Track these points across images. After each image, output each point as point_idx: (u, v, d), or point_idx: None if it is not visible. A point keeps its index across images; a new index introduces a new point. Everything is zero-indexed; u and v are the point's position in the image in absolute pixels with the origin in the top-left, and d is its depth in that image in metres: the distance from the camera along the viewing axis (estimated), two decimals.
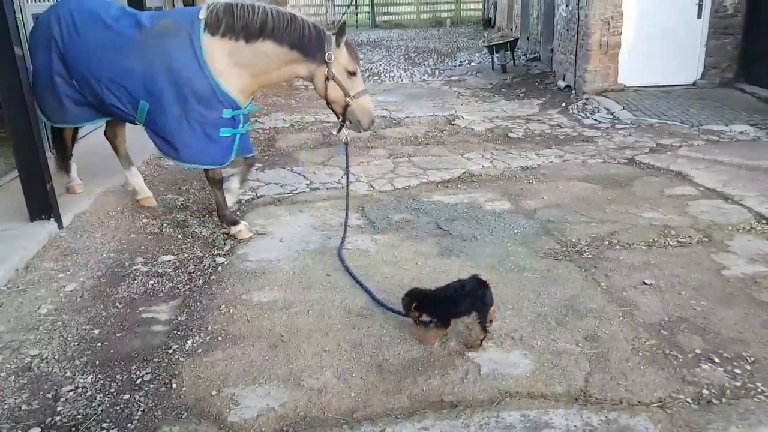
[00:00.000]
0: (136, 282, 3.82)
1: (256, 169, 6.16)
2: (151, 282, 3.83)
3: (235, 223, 4.48)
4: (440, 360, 3.00)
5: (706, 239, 4.39)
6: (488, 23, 19.88)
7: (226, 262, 4.08)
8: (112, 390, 2.80)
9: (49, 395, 2.76)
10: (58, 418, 2.61)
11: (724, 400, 2.72)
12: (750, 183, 5.50)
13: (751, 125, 7.40)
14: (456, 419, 2.58)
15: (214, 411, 2.65)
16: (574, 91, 9.58)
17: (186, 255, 4.21)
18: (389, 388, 2.79)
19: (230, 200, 4.69)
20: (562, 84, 10.00)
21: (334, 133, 4.95)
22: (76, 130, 5.11)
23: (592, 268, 3.97)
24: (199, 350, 3.09)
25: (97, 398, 2.74)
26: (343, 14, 13.27)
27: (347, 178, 4.55)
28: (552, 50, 11.03)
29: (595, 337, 3.20)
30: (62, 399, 2.73)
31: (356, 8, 26.94)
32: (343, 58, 4.14)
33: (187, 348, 3.11)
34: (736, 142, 6.90)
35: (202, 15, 4.06)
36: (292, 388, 2.79)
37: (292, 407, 2.67)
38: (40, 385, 2.82)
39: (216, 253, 4.23)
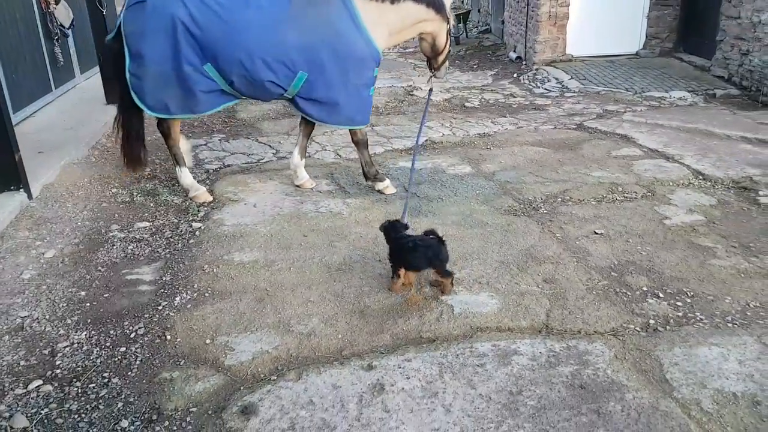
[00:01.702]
0: (114, 247, 3.93)
1: (219, 139, 6.27)
2: (130, 247, 3.94)
3: (382, 178, 4.83)
4: (417, 304, 3.27)
5: (650, 194, 4.80)
6: None
7: (203, 227, 4.22)
8: (108, 344, 2.95)
9: (46, 351, 2.89)
10: (58, 371, 2.75)
11: (668, 327, 3.09)
12: (687, 143, 5.98)
13: (689, 91, 7.94)
14: (435, 351, 2.87)
15: (210, 357, 2.85)
16: (524, 62, 9.95)
17: (161, 222, 4.33)
18: (372, 329, 3.05)
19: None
20: (513, 55, 10.35)
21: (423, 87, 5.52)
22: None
23: (547, 222, 4.32)
24: (188, 305, 3.26)
25: (94, 352, 2.89)
26: None
27: (421, 125, 4.70)
28: (503, 22, 11.37)
29: (553, 280, 3.54)
30: (60, 354, 2.87)
31: None
32: (449, 13, 4.62)
33: (176, 304, 3.28)
34: (675, 107, 7.41)
35: None
36: (282, 333, 3.01)
37: (285, 349, 2.89)
38: (35, 343, 2.95)
39: (191, 219, 4.36)
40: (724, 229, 4.16)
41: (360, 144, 4.71)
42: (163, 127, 4.57)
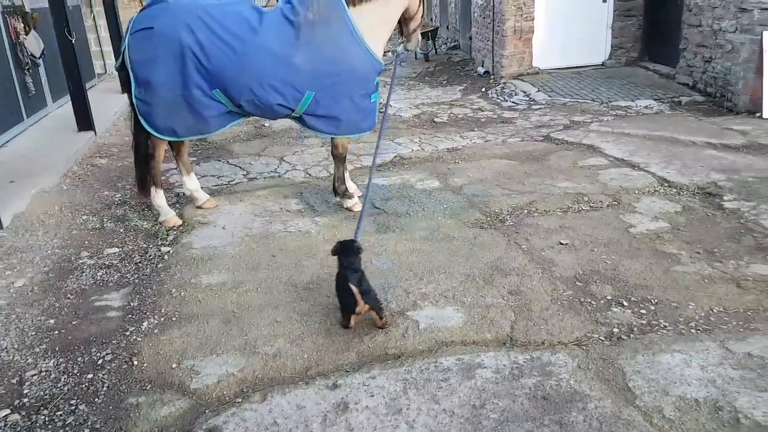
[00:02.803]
0: (84, 274, 3.91)
1: (191, 162, 6.26)
2: (99, 273, 3.92)
3: (350, 197, 4.86)
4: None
5: (615, 203, 4.89)
6: None
7: (171, 251, 4.22)
8: (75, 371, 2.93)
9: (14, 380, 2.86)
10: (25, 399, 2.73)
11: (632, 335, 3.13)
12: (653, 151, 6.10)
13: (654, 100, 8.12)
14: (399, 367, 2.89)
15: (176, 381, 2.84)
16: (492, 77, 10.11)
17: (130, 247, 4.31)
18: (338, 348, 3.07)
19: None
20: (481, 70, 10.52)
21: (398, 50, 5.42)
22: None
23: (513, 234, 4.38)
24: (156, 330, 3.25)
25: (62, 379, 2.87)
26: None
27: (388, 96, 4.87)
28: (470, 38, 11.55)
29: (518, 291, 3.58)
30: (27, 383, 2.84)
31: None
32: None
33: (143, 329, 3.27)
34: (641, 116, 7.57)
35: None
36: (248, 355, 3.02)
37: (250, 371, 2.90)
38: (3, 372, 2.92)
39: (160, 243, 4.36)
40: (689, 235, 4.23)
41: (339, 158, 4.76)
42: (149, 146, 4.54)
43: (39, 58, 7.35)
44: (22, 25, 7.02)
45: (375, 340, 3.12)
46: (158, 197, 4.64)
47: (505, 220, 4.62)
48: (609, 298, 3.50)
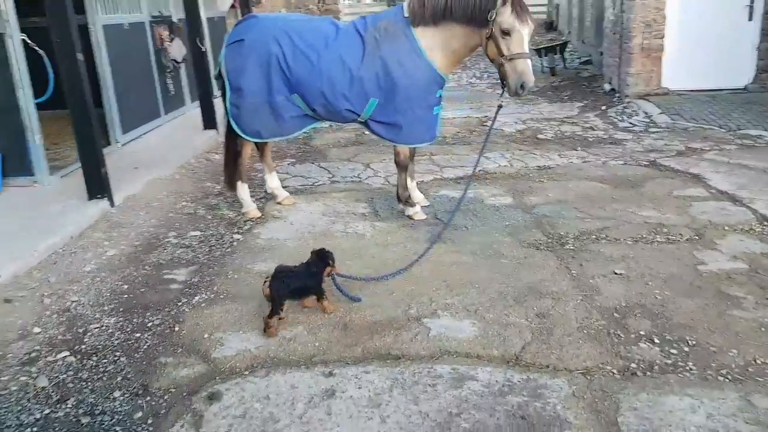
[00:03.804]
0: (165, 251, 4.58)
1: (288, 163, 6.90)
2: (178, 251, 4.57)
3: (413, 204, 5.11)
4: (398, 323, 3.50)
5: (697, 237, 4.61)
6: (550, 26, 19.94)
7: (241, 239, 4.77)
8: (128, 329, 3.52)
9: (80, 330, 3.52)
10: (83, 346, 3.35)
11: (648, 373, 3.02)
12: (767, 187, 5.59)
13: None
14: (395, 367, 3.09)
15: (202, 349, 3.31)
16: (617, 95, 9.70)
17: (210, 232, 4.94)
18: (348, 342, 3.34)
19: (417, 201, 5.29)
20: (607, 87, 10.14)
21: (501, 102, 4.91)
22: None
23: (569, 258, 4.32)
24: (203, 304, 3.77)
25: (115, 335, 3.47)
26: None
27: (481, 150, 5.06)
28: (601, 53, 11.15)
29: (546, 315, 3.58)
30: (89, 333, 3.48)
31: None
32: (502, 15, 4.28)
33: (193, 302, 3.81)
34: None
35: (406, 12, 4.66)
36: (268, 335, 3.40)
37: (265, 350, 3.28)
38: (74, 322, 3.60)
39: (235, 231, 4.94)
40: (766, 279, 3.92)
41: (399, 165, 5.05)
42: (238, 145, 5.17)
43: (180, 63, 8.49)
44: (167, 32, 8.18)
45: (384, 340, 3.35)
46: (242, 191, 5.24)
47: (566, 244, 4.57)
48: (642, 333, 3.38)
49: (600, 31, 11.60)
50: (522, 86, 4.39)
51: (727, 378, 2.98)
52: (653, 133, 7.85)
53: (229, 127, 5.08)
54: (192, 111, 8.94)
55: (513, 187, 5.88)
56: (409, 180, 5.31)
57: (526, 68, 4.36)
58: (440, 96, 4.82)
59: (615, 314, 3.59)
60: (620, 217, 5.05)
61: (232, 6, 10.37)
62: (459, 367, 3.10)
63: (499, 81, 4.63)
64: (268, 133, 4.98)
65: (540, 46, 12.69)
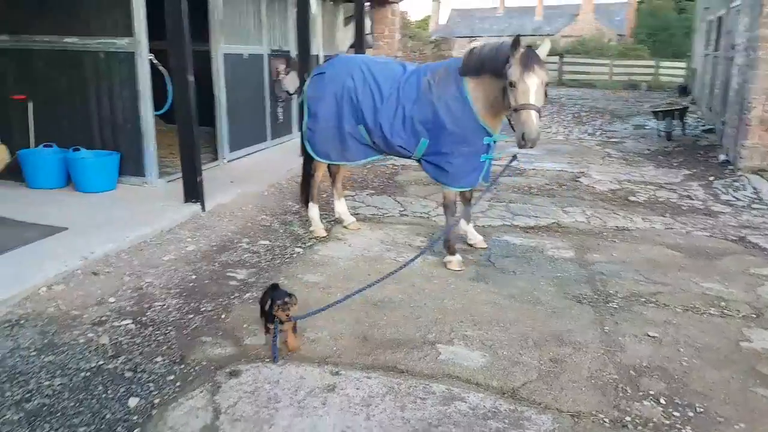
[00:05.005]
0: (235, 253, 5.34)
1: (367, 194, 7.55)
2: (245, 255, 5.31)
3: (452, 252, 5.29)
4: (413, 344, 3.91)
5: (755, 315, 4.56)
6: (683, 91, 19.38)
7: (301, 252, 5.43)
8: (184, 311, 4.24)
9: (146, 305, 4.29)
10: (144, 318, 4.11)
11: (639, 428, 3.18)
12: None
13: None
14: (394, 378, 3.51)
15: (238, 335, 3.93)
16: (730, 167, 9.42)
17: (278, 243, 5.66)
18: (363, 352, 3.80)
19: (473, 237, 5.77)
20: (722, 158, 9.87)
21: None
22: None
23: (608, 315, 4.47)
24: (250, 300, 4.42)
25: (173, 313, 4.20)
26: None
27: (493, 183, 5.48)
28: (723, 123, 10.85)
29: (560, 361, 3.81)
30: (152, 309, 4.24)
31: None
32: (511, 67, 4.56)
33: (244, 297, 4.47)
34: None
35: (460, 63, 5.23)
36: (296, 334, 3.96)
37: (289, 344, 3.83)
38: (143, 298, 4.39)
39: (299, 245, 5.61)
40: None
41: (444, 207, 5.45)
42: (311, 168, 5.95)
43: (293, 94, 9.56)
44: (284, 66, 9.30)
45: (394, 355, 3.77)
46: (312, 210, 5.93)
47: (610, 302, 4.71)
48: (651, 393, 3.49)
49: (725, 99, 11.31)
50: (523, 137, 4.52)
51: None
52: (755, 209, 7.60)
53: (304, 149, 5.83)
54: (296, 139, 9.96)
55: (580, 243, 6.06)
56: (464, 222, 5.70)
57: (528, 119, 4.49)
58: (489, 144, 5.18)
59: (631, 372, 3.73)
60: (679, 285, 5.08)
61: (351, 46, 11.44)
62: (453, 388, 3.45)
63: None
64: (336, 157, 5.64)
65: (658, 109, 12.55)
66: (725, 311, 4.63)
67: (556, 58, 27.88)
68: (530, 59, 4.51)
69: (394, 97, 5.25)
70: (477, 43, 5.14)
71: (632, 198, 8.03)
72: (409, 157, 5.46)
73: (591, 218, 6.98)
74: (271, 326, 3.69)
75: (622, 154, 11.15)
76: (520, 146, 4.61)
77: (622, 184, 8.73)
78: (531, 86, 4.49)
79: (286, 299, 3.62)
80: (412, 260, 4.68)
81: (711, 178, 9.13)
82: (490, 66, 4.83)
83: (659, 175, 9.54)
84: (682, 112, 12.19)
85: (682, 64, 23.01)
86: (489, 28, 52.54)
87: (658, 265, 5.55)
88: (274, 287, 3.79)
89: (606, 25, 44.19)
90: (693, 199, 8.08)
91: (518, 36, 4.66)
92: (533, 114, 4.51)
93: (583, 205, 7.51)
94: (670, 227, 6.79)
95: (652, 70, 27.01)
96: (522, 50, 4.54)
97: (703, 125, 13.09)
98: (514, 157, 5.36)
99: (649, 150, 11.58)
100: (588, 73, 28.42)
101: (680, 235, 6.52)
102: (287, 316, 3.62)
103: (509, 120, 4.91)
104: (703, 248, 6.07)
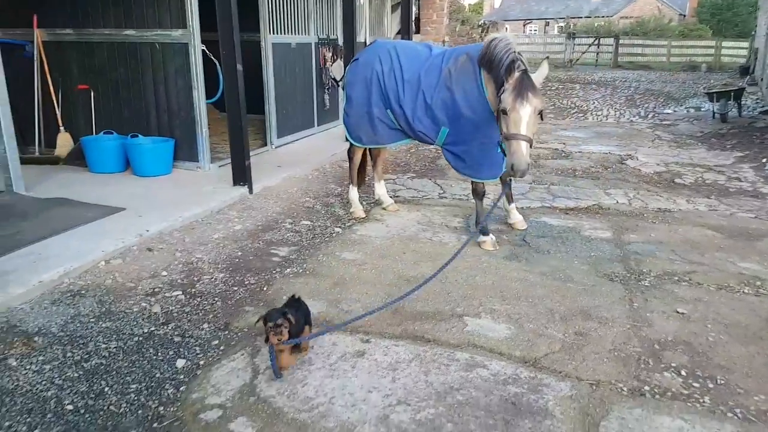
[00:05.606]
0: (279, 232, 5.67)
1: (408, 177, 7.75)
2: (288, 234, 5.62)
3: (485, 234, 5.38)
4: (442, 316, 4.12)
5: None
6: (745, 71, 18.60)
7: (340, 232, 5.71)
8: (230, 283, 4.58)
9: (195, 278, 4.66)
10: (193, 290, 4.47)
11: (657, 397, 3.29)
12: None
13: None
14: (422, 346, 3.73)
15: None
16: None
17: (318, 223, 5.95)
18: (393, 322, 4.04)
19: (515, 218, 5.86)
20: None
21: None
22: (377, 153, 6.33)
23: (638, 293, 4.55)
24: (291, 275, 4.73)
25: (219, 285, 4.55)
26: (583, 53, 14.17)
27: (493, 206, 5.46)
28: None
29: (584, 334, 3.94)
30: (200, 281, 4.61)
31: (597, 47, 26.99)
32: (505, 93, 4.55)
33: (285, 273, 4.78)
34: None
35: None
36: (331, 305, 4.23)
37: (325, 315, 4.11)
38: (192, 272, 4.76)
39: (339, 225, 5.89)
40: None
41: (474, 194, 5.59)
42: (350, 152, 6.23)
43: (339, 82, 9.83)
44: (331, 54, 9.58)
45: (423, 326, 3.99)
46: (352, 192, 6.20)
47: (642, 280, 4.78)
48: (674, 365, 3.57)
49: None
50: (512, 168, 4.48)
51: (737, 416, 3.14)
52: None
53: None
54: (341, 125, 10.22)
55: (619, 224, 6.09)
56: (505, 202, 5.83)
57: (518, 150, 4.45)
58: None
59: (655, 346, 3.82)
60: (715, 265, 5.09)
61: (398, 33, 11.62)
62: (477, 356, 3.64)
63: None
64: (367, 140, 5.87)
65: (712, 90, 12.20)
66: (760, 290, 4.63)
67: (611, 40, 27.22)
68: (524, 87, 4.47)
69: (415, 83, 5.38)
70: (497, 34, 5.13)
71: (678, 180, 7.95)
72: (432, 143, 5.62)
73: (633, 200, 6.98)
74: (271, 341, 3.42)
75: (672, 137, 10.94)
76: (509, 176, 4.75)
77: (669, 167, 8.62)
78: (523, 117, 4.45)
79: (279, 321, 3.33)
80: (460, 250, 4.59)
81: (764, 160, 8.90)
82: (494, 74, 4.88)
83: (709, 157, 9.35)
84: (738, 93, 11.82)
85: (745, 44, 22.02)
86: (545, 11, 51.57)
87: (696, 245, 5.55)
88: (290, 302, 3.69)
89: (667, 4, 42.64)
90: (742, 181, 7.93)
91: (515, 59, 4.64)
92: (523, 145, 4.47)
93: (626, 188, 7.50)
94: (714, 209, 6.73)
95: (712, 51, 25.95)
96: (517, 75, 4.52)
97: (762, 107, 12.63)
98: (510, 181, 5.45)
99: (701, 132, 11.31)
100: (645, 54, 27.63)
101: (723, 216, 6.45)
102: (278, 340, 3.35)
103: (500, 145, 4.87)
104: (745, 229, 6.01)
